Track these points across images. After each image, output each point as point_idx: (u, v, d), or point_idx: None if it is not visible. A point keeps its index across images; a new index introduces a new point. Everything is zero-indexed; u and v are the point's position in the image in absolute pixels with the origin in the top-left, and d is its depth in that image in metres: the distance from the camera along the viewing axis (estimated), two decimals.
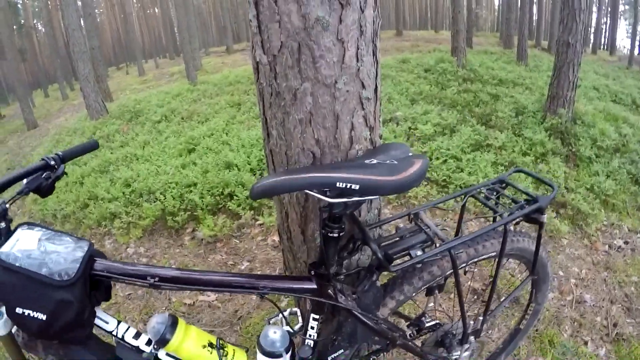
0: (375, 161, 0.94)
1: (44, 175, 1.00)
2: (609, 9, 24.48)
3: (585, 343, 1.90)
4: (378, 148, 1.07)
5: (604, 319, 2.06)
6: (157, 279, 0.88)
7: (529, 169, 3.25)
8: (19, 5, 28.08)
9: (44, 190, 1.00)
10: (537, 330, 1.93)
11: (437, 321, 1.26)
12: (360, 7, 0.92)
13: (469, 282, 2.15)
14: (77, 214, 3.59)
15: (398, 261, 0.96)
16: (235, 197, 3.14)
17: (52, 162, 1.02)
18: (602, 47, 25.55)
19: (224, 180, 3.30)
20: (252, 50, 1.02)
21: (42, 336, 0.85)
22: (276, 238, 2.74)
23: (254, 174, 3.46)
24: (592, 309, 2.13)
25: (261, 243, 2.78)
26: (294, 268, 1.31)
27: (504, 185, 1.20)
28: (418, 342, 1.27)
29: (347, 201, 0.87)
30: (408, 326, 1.24)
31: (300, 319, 1.07)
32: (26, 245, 0.82)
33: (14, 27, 23.54)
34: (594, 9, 25.25)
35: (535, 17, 19.36)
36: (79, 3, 11.03)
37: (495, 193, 1.17)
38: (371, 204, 1.19)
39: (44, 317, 0.78)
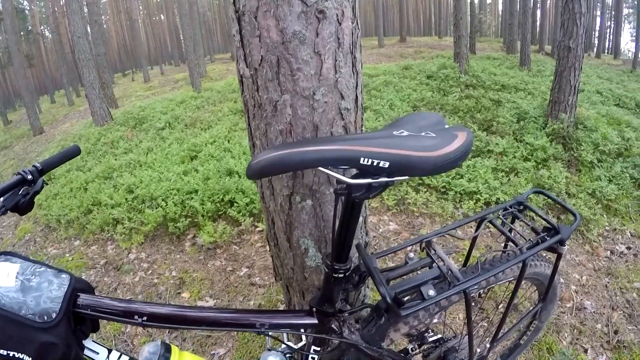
0: (405, 133, 0.77)
1: (21, 191, 0.91)
2: (613, 12, 24.43)
3: (585, 351, 1.88)
4: (405, 117, 0.88)
5: (604, 325, 2.04)
6: (145, 317, 0.81)
7: (527, 182, 3.24)
8: (27, 12, 28.48)
9: (22, 208, 0.91)
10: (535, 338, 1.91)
11: (441, 336, 1.20)
12: (337, 19, 0.93)
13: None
14: (81, 220, 3.63)
15: (409, 304, 0.85)
16: (235, 203, 3.16)
17: (30, 177, 0.93)
18: (606, 51, 25.49)
19: (225, 187, 3.32)
20: (237, 64, 1.04)
21: None
22: None
23: (254, 181, 3.48)
24: (593, 316, 2.10)
25: (260, 249, 2.79)
26: (282, 274, 1.32)
27: (522, 207, 1.10)
28: (419, 357, 1.23)
29: (372, 182, 0.72)
30: (410, 341, 1.19)
31: (303, 337, 1.00)
32: (4, 282, 0.76)
33: (22, 33, 23.89)
34: (598, 12, 25.24)
35: (538, 22, 19.34)
36: (85, 10, 11.17)
37: (511, 218, 1.08)
38: None
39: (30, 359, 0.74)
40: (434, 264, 0.91)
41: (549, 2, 24.21)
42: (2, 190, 0.88)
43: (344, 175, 0.73)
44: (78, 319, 0.81)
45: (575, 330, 2.00)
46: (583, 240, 2.76)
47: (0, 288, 0.74)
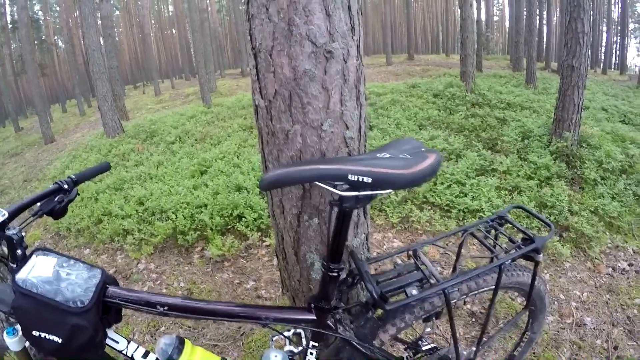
0: (387, 155, 0.94)
1: (57, 198, 1.04)
2: (619, 28, 24.41)
3: None
4: (390, 143, 1.05)
5: (604, 342, 2.05)
6: (166, 307, 0.94)
7: (530, 200, 3.28)
8: (41, 22, 29.26)
9: (57, 213, 1.04)
10: (534, 352, 1.93)
11: (435, 345, 1.26)
12: (344, 58, 1.04)
13: (468, 305, 2.18)
14: (91, 229, 3.71)
15: (393, 299, 0.97)
16: (244, 218, 3.22)
17: (65, 186, 1.06)
18: (613, 66, 25.42)
19: (234, 202, 3.39)
20: (253, 94, 1.15)
21: (57, 356, 0.89)
22: None
23: (263, 197, 3.56)
24: (593, 332, 2.11)
25: (267, 263, 2.85)
26: (289, 285, 1.41)
27: (502, 221, 1.19)
28: None
29: (359, 195, 0.86)
30: (405, 349, 1.25)
31: (304, 340, 1.09)
32: (42, 272, 0.86)
33: (35, 42, 24.50)
34: (604, 28, 25.26)
35: (544, 40, 19.43)
36: (99, 23, 11.43)
37: (493, 230, 1.17)
38: (357, 228, 1.26)
39: (60, 340, 0.84)
40: (419, 269, 1.04)
41: (555, 19, 24.30)
42: (40, 196, 1.01)
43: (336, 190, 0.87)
44: (105, 309, 0.92)
45: (574, 346, 2.01)
46: (585, 257, 2.78)
47: (38, 277, 0.85)
